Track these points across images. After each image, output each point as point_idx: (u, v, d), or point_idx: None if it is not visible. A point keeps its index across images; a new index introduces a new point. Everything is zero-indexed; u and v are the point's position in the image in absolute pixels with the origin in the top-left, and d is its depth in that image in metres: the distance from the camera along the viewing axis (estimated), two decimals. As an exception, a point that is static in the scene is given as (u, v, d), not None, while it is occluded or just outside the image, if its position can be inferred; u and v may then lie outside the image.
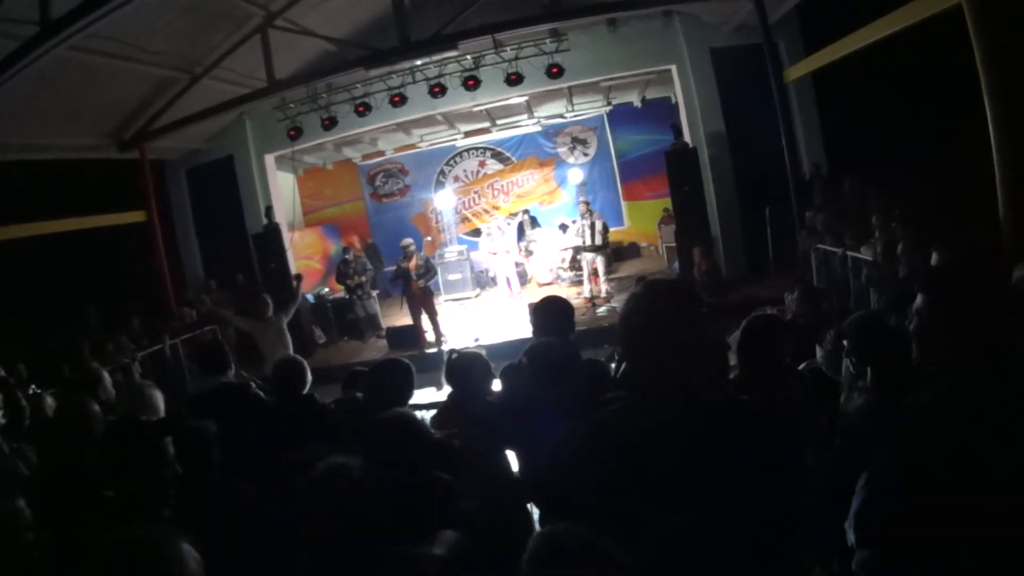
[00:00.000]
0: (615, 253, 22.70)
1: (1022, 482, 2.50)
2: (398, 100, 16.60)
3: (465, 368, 5.81)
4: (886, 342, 4.52)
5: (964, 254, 6.38)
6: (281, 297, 13.59)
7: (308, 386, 6.31)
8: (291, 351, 11.61)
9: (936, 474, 2.62)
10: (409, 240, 17.25)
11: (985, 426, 2.68)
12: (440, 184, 26.16)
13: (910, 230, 8.83)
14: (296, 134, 17.30)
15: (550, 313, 5.62)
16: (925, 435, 2.83)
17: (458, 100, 17.65)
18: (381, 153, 25.23)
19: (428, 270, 16.80)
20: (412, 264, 16.51)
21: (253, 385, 7.11)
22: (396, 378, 5.34)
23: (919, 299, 3.21)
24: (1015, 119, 8.68)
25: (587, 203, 18.95)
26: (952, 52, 10.36)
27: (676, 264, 17.83)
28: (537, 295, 18.26)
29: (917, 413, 2.96)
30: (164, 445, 4.72)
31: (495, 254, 20.88)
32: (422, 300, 16.55)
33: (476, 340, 15.37)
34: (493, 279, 21.64)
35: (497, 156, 26.13)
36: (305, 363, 6.41)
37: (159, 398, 5.89)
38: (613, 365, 6.44)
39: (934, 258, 6.09)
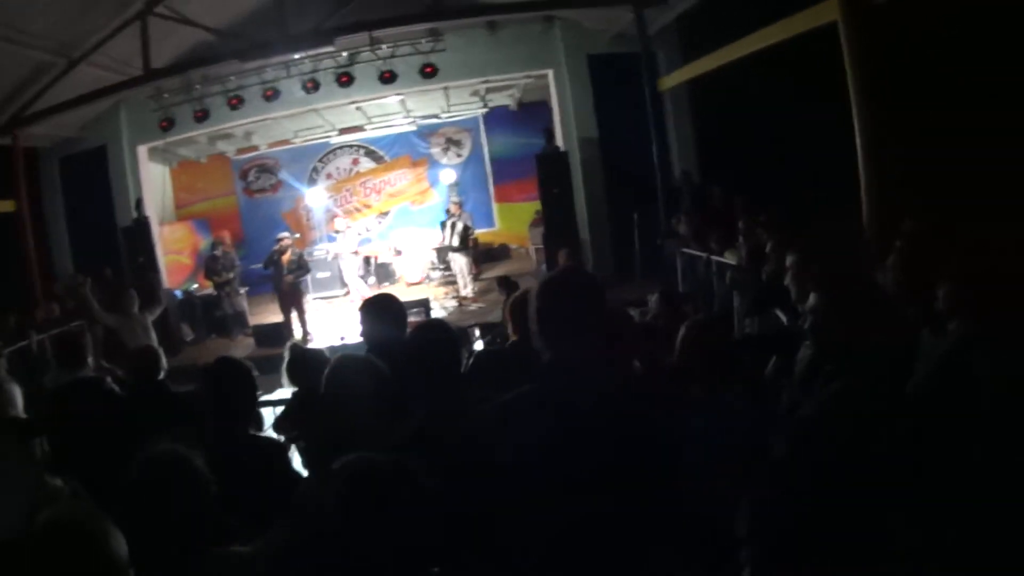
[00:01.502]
0: (485, 254, 22.87)
1: (913, 480, 2.66)
2: (271, 94, 16.64)
3: (305, 364, 5.85)
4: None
5: (834, 257, 6.67)
6: (147, 292, 13.40)
7: (162, 373, 6.36)
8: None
9: (831, 474, 2.72)
10: (285, 233, 17.16)
11: (878, 427, 2.84)
12: (312, 181, 26.00)
13: (776, 235, 9.15)
14: (168, 125, 17.13)
15: (379, 311, 5.59)
16: (821, 434, 2.98)
17: (332, 97, 17.66)
18: (255, 148, 24.89)
19: (300, 267, 16.72)
20: (285, 258, 16.40)
21: (109, 379, 7.07)
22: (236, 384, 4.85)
23: (813, 298, 3.41)
24: (879, 135, 9.12)
25: (459, 204, 19.09)
26: (822, 65, 10.79)
27: (544, 266, 18.06)
28: (398, 294, 18.36)
29: (814, 412, 3.12)
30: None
31: (338, 255, 20.75)
32: (291, 296, 16.47)
33: (342, 339, 15.34)
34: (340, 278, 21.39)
35: (370, 154, 26.06)
36: (159, 351, 6.49)
37: (17, 393, 5.84)
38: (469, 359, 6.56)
39: (789, 259, 6.34)
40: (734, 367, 4.51)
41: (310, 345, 15.24)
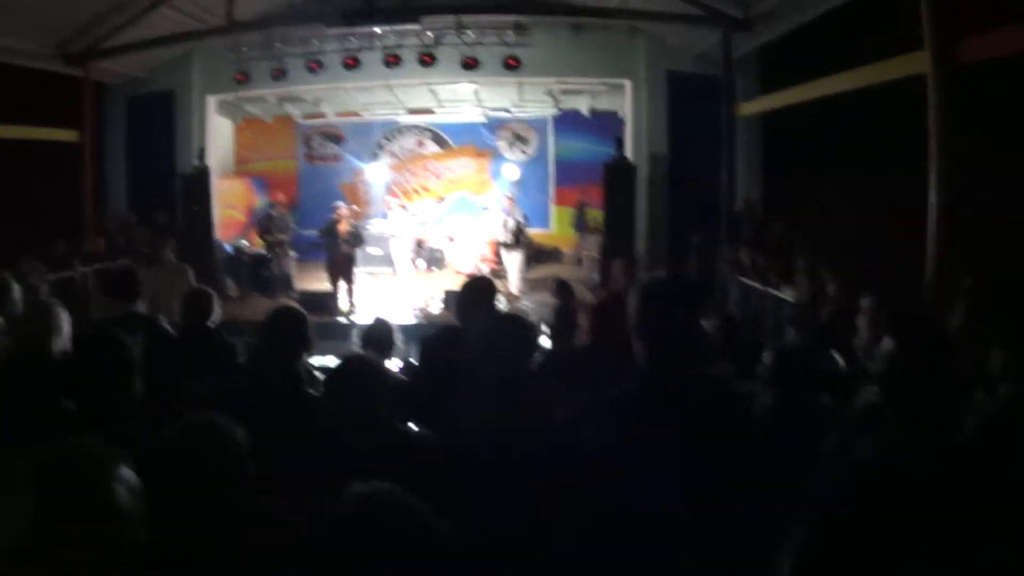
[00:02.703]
0: (536, 255, 22.74)
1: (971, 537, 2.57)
2: (352, 63, 16.51)
3: (386, 334, 5.85)
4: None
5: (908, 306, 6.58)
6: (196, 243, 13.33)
7: (212, 318, 6.31)
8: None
9: (888, 520, 2.66)
10: (342, 203, 17.13)
11: (940, 477, 2.75)
12: (375, 156, 26.02)
13: (840, 277, 9.04)
14: (244, 79, 17.12)
15: (477, 292, 5.59)
16: (881, 480, 2.90)
17: (410, 75, 17.56)
18: (322, 115, 24.77)
19: (357, 238, 16.69)
20: (342, 228, 16.37)
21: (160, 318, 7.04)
22: (293, 325, 4.99)
23: (889, 343, 3.33)
24: (953, 191, 8.96)
25: (511, 198, 18.95)
26: (903, 114, 10.62)
27: (595, 274, 17.95)
28: (447, 282, 18.37)
29: (875, 457, 3.03)
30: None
31: (393, 235, 20.63)
32: (343, 267, 16.43)
33: (376, 317, 15.28)
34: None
35: (436, 138, 26.08)
36: (213, 296, 6.44)
37: (65, 318, 5.67)
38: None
39: (864, 302, 6.26)
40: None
41: (353, 318, 15.24)
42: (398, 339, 6.08)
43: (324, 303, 16.26)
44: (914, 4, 9.26)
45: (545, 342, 7.43)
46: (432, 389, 4.95)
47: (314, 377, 5.25)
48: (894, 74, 10.49)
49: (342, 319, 15.49)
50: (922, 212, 9.41)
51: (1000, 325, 4.93)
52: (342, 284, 16.61)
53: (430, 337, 5.47)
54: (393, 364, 6.11)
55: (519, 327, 4.44)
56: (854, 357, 6.27)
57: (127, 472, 2.37)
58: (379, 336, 5.94)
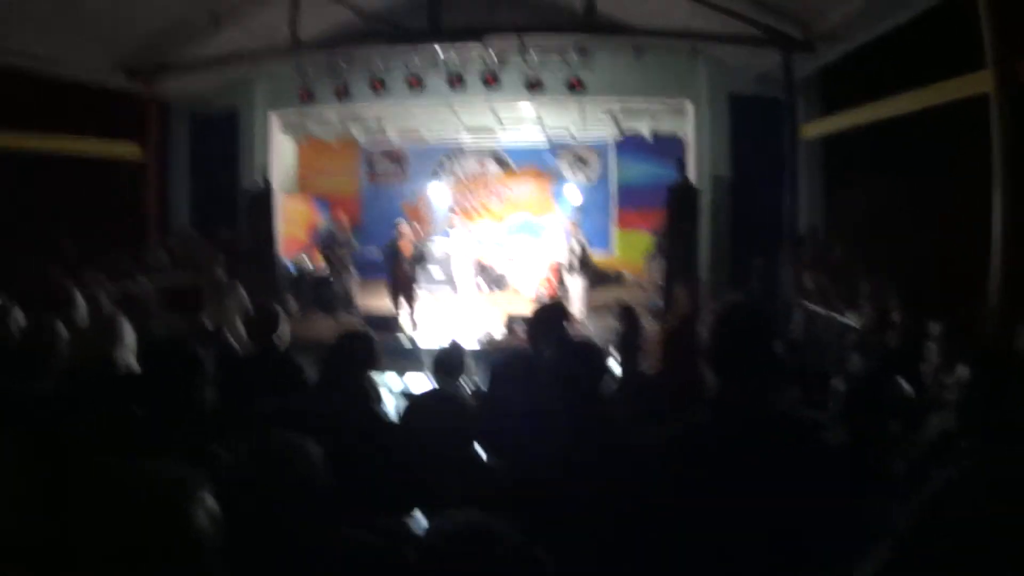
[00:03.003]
0: (598, 278, 22.65)
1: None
2: (415, 83, 16.54)
3: (460, 358, 5.82)
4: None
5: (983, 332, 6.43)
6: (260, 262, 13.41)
7: (278, 337, 6.27)
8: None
9: (963, 548, 2.69)
10: (403, 220, 17.19)
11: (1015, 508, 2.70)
12: (436, 176, 26.24)
13: (908, 303, 8.88)
14: (308, 97, 17.20)
15: (552, 318, 5.54)
16: (957, 509, 2.85)
17: (473, 96, 17.53)
18: (384, 137, 25.01)
19: (420, 257, 16.76)
20: (404, 246, 16.43)
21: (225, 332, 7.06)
22: (362, 346, 5.06)
23: (965, 371, 3.26)
24: (1020, 215, 8.78)
25: (574, 223, 18.88)
26: (967, 137, 10.45)
27: (659, 299, 17.80)
28: (508, 304, 18.41)
29: (950, 487, 2.98)
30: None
31: (454, 255, 20.59)
32: (404, 285, 16.46)
33: (451, 340, 15.28)
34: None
35: (498, 160, 26.24)
36: (280, 313, 6.38)
37: (129, 331, 5.62)
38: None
39: (936, 328, 6.12)
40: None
41: (415, 338, 15.30)
42: (469, 364, 6.02)
43: (386, 322, 16.28)
44: (975, 23, 9.10)
45: (614, 367, 7.37)
46: (501, 416, 4.92)
47: (380, 395, 5.24)
48: (956, 94, 10.32)
49: (403, 338, 15.48)
50: (988, 233, 9.23)
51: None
52: (403, 303, 16.57)
53: (499, 363, 5.43)
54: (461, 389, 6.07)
55: (589, 353, 4.38)
56: (922, 384, 6.15)
57: (209, 498, 2.31)
58: (452, 361, 5.89)
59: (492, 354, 6.40)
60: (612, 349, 8.07)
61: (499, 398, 5.26)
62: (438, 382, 5.82)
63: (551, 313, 5.58)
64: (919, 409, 5.10)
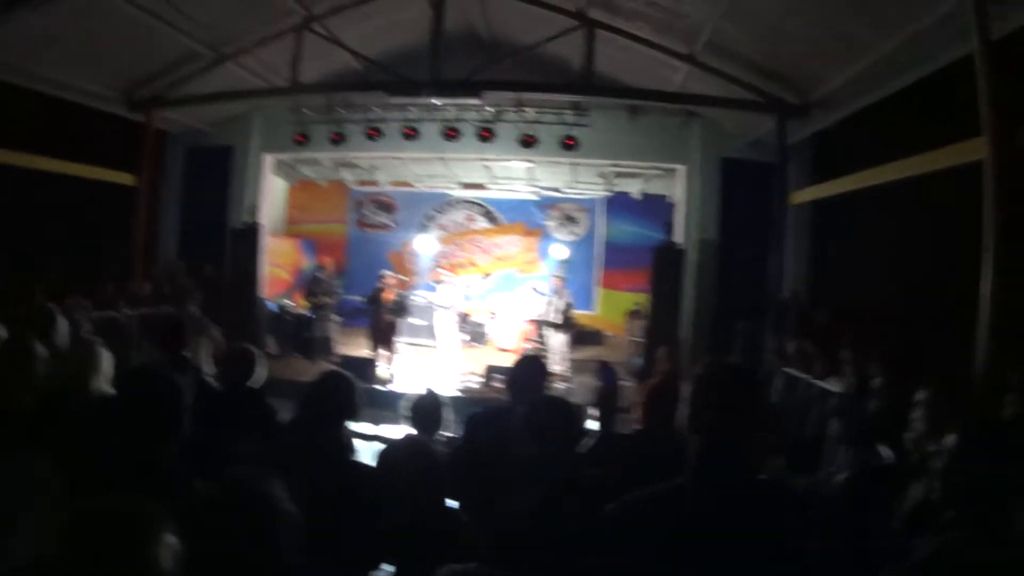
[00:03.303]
0: (579, 336, 22.66)
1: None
2: (411, 133, 16.68)
3: (436, 408, 5.80)
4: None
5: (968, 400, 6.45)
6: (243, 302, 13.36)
7: (254, 377, 6.24)
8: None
9: None
10: (390, 272, 17.19)
11: None
12: (424, 228, 26.32)
13: (890, 369, 8.90)
14: (303, 140, 17.31)
15: (531, 371, 5.53)
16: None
17: (467, 149, 17.70)
18: (376, 183, 25.15)
19: (401, 307, 16.73)
20: (386, 296, 16.44)
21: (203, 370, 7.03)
22: (342, 391, 5.01)
23: (953, 439, 3.27)
24: (1008, 286, 8.85)
25: (562, 279, 18.91)
26: (956, 205, 10.57)
27: (639, 358, 17.85)
28: (486, 358, 18.45)
29: (932, 557, 2.99)
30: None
31: (441, 307, 20.58)
32: (385, 334, 16.45)
33: (428, 389, 15.26)
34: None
35: (487, 214, 26.35)
36: (258, 355, 6.34)
37: (108, 358, 5.54)
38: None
39: (921, 394, 6.14)
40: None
41: (390, 387, 15.25)
42: (446, 413, 5.99)
43: (364, 369, 16.23)
44: (972, 90, 9.21)
45: (593, 425, 7.38)
46: (475, 468, 4.94)
47: (353, 444, 5.21)
48: (950, 161, 10.33)
49: (380, 387, 15.46)
50: (975, 302, 9.29)
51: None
52: (383, 352, 16.58)
53: (477, 415, 5.43)
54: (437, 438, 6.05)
55: (562, 410, 4.42)
56: (904, 451, 6.18)
57: (171, 537, 2.33)
58: (428, 410, 5.86)
59: (469, 404, 6.36)
60: (591, 407, 8.08)
61: (472, 449, 5.27)
62: (417, 429, 5.80)
63: (530, 366, 5.57)
64: (901, 477, 5.11)
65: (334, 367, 5.06)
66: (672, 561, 2.72)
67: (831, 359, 11.85)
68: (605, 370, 10.36)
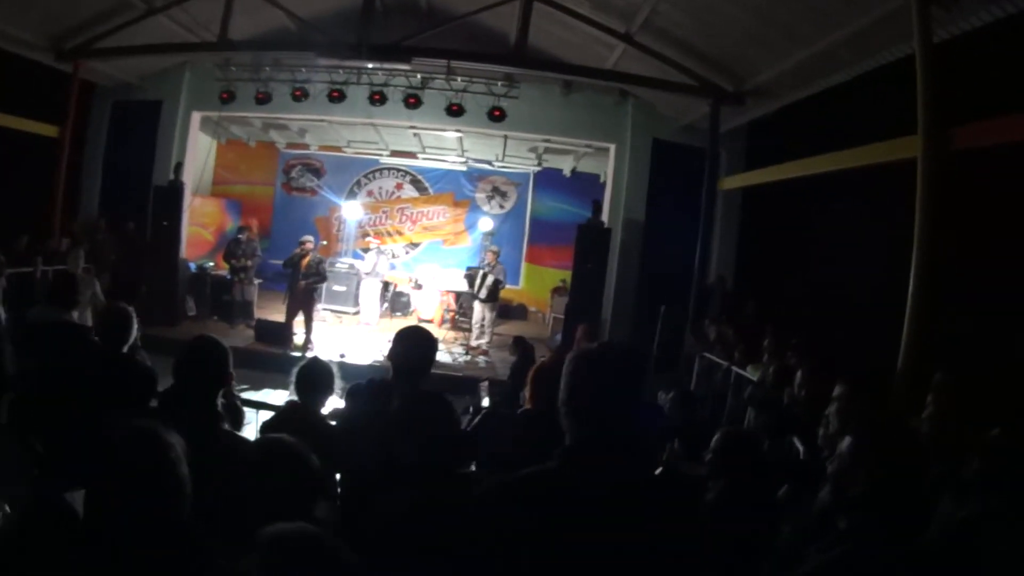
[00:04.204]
0: (502, 311, 22.58)
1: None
2: (336, 95, 16.51)
3: (319, 375, 5.58)
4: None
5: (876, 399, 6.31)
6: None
7: (130, 341, 5.96)
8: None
9: None
10: (309, 237, 16.87)
11: None
12: (353, 194, 26.04)
13: (809, 362, 8.83)
14: (229, 98, 17.10)
15: (415, 342, 5.24)
16: None
17: (394, 115, 17.50)
18: (305, 146, 24.97)
19: (318, 273, 16.41)
20: (304, 262, 16.13)
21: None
22: (213, 357, 4.55)
23: (846, 442, 3.10)
24: (934, 280, 8.84)
25: (496, 254, 18.75)
26: (886, 199, 10.55)
27: (559, 336, 17.76)
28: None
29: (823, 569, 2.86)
30: None
31: (367, 274, 20.37)
32: (303, 301, 16.15)
33: (341, 356, 15.11)
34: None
35: (416, 183, 26.09)
36: (131, 314, 6.04)
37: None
38: (466, 418, 6.38)
39: (837, 390, 6.03)
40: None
41: (309, 353, 14.97)
42: (336, 382, 5.74)
43: (280, 334, 16.03)
44: (910, 88, 9.17)
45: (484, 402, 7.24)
46: (347, 434, 4.79)
47: (224, 413, 5.00)
48: (884, 157, 10.33)
49: (296, 353, 15.25)
50: (901, 301, 9.25)
51: (977, 427, 4.78)
52: (301, 319, 16.30)
53: (357, 388, 5.18)
54: (329, 405, 5.83)
55: (437, 409, 4.25)
56: (817, 448, 6.07)
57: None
58: (314, 378, 5.62)
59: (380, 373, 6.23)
60: (491, 381, 7.91)
61: (350, 417, 5.09)
62: (299, 398, 5.59)
63: (412, 340, 5.26)
64: (810, 474, 4.97)
65: (204, 333, 4.70)
66: (539, 547, 2.56)
67: (753, 347, 11.81)
68: (519, 343, 10.23)
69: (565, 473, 2.70)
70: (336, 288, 20.68)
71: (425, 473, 3.85)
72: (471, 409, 7.25)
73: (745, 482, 4.71)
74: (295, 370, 5.69)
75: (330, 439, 4.84)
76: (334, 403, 5.82)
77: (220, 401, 4.52)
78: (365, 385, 4.93)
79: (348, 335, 18.05)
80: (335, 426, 5.37)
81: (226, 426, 4.46)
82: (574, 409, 2.77)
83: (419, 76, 16.43)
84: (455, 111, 16.32)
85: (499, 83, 16.47)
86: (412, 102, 16.29)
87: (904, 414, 6.62)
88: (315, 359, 5.86)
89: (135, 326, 5.95)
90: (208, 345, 4.56)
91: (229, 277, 18.73)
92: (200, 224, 21.91)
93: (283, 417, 5.55)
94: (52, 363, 4.99)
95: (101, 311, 6.32)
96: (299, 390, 5.59)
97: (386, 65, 15.92)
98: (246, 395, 9.68)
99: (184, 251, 18.67)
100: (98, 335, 5.92)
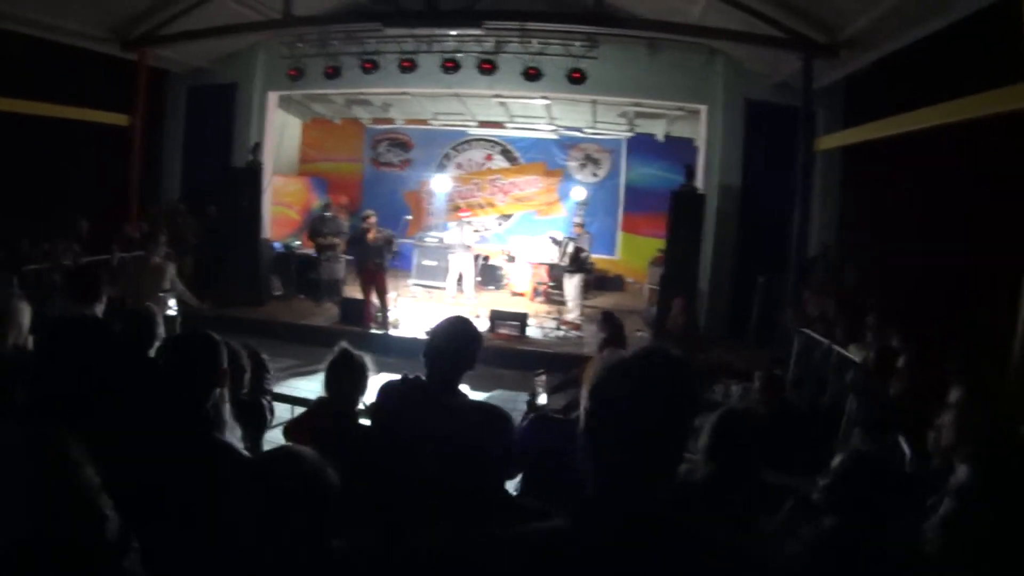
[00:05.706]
0: (598, 282, 21.89)
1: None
2: (408, 65, 15.91)
3: (349, 370, 4.95)
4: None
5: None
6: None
7: (154, 344, 5.48)
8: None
9: None
10: (371, 211, 16.39)
11: None
12: (442, 167, 25.65)
13: (913, 349, 7.81)
14: (297, 75, 16.88)
15: (451, 336, 4.41)
16: None
17: (471, 83, 16.90)
18: (391, 121, 24.67)
19: (385, 248, 15.79)
20: (371, 236, 15.53)
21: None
22: (202, 357, 3.83)
23: (964, 472, 2.42)
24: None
25: (582, 224, 18.12)
26: (1005, 157, 9.49)
27: (654, 308, 16.96)
28: (499, 301, 18.08)
29: None
30: None
31: (456, 248, 19.79)
32: (373, 276, 15.58)
33: (342, 348, 14.67)
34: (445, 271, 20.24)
35: (505, 153, 25.58)
36: (155, 316, 5.67)
37: (25, 312, 5.41)
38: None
39: (955, 395, 5.01)
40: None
41: (392, 332, 15.04)
42: (366, 377, 5.05)
43: (360, 312, 15.60)
44: (1018, 31, 8.11)
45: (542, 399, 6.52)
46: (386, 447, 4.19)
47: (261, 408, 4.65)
48: (993, 108, 9.23)
49: (378, 331, 15.05)
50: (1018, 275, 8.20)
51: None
52: (375, 295, 15.79)
53: (390, 389, 4.42)
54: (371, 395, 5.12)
55: (487, 425, 3.57)
56: (927, 454, 5.04)
57: None
58: (343, 373, 4.94)
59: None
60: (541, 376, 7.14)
61: (385, 424, 4.39)
62: (328, 395, 4.91)
63: (453, 332, 4.43)
64: (916, 488, 4.08)
65: (195, 328, 4.11)
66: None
67: (856, 323, 10.82)
68: (607, 319, 9.50)
69: (575, 538, 2.01)
70: (426, 263, 20.51)
71: (462, 499, 3.45)
72: (528, 405, 6.49)
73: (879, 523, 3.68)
74: (329, 362, 5.12)
75: (361, 450, 4.25)
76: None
77: (225, 406, 3.97)
78: (399, 384, 4.26)
79: (439, 311, 17.33)
80: (369, 427, 4.70)
81: (228, 435, 3.90)
82: (596, 447, 2.07)
83: (493, 40, 15.70)
84: (532, 75, 15.62)
85: (577, 44, 15.64)
86: (486, 67, 15.62)
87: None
88: (344, 351, 5.17)
89: (160, 329, 5.74)
90: (191, 343, 3.91)
91: (315, 255, 18.51)
92: (284, 203, 21.84)
93: (309, 417, 5.10)
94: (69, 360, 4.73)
95: (126, 314, 5.99)
96: (328, 386, 5.04)
97: (457, 31, 15.36)
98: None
99: (268, 231, 18.60)
100: (123, 338, 5.57)
